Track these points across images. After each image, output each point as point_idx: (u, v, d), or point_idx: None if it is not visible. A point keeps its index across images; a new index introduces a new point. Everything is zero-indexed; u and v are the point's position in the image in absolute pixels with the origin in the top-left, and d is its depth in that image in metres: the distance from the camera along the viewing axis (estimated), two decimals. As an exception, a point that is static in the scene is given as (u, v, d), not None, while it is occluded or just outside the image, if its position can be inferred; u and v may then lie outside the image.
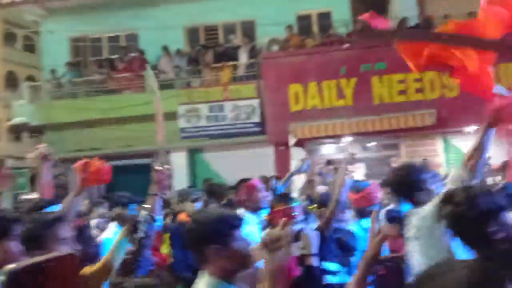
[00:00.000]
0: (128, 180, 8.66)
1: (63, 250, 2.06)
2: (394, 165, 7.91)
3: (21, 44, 25.97)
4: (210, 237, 1.98)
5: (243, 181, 4.38)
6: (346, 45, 10.76)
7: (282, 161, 10.33)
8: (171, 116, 10.84)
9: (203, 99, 11.31)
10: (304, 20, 12.55)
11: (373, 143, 11.14)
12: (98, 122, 11.57)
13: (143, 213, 2.88)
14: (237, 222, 2.07)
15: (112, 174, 3.49)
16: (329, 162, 9.32)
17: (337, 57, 10.64)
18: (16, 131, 11.42)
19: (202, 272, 2.04)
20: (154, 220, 2.92)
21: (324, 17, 12.51)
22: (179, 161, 11.00)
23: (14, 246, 2.23)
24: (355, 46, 10.72)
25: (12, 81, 26.10)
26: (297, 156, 9.34)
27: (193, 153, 11.87)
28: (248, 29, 12.65)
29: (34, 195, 5.04)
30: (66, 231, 2.34)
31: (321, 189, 5.69)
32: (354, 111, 10.34)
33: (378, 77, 10.38)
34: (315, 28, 12.43)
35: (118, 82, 12.02)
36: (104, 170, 3.36)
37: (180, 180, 9.72)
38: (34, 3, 12.70)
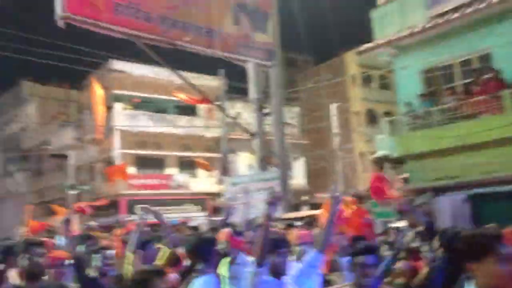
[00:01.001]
0: (494, 208, 8.14)
1: None
2: None
3: (376, 83, 28.67)
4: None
5: None
6: None
7: None
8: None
9: None
10: None
11: None
12: (455, 149, 11.41)
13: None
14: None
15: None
16: None
17: None
18: (380, 163, 12.57)
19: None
20: None
21: None
22: None
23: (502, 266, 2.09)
24: None
25: (371, 118, 29.01)
26: None
27: None
28: None
29: (402, 224, 5.45)
30: None
31: None
32: None
33: None
34: None
35: (473, 107, 11.60)
36: None
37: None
38: (387, 44, 13.82)
